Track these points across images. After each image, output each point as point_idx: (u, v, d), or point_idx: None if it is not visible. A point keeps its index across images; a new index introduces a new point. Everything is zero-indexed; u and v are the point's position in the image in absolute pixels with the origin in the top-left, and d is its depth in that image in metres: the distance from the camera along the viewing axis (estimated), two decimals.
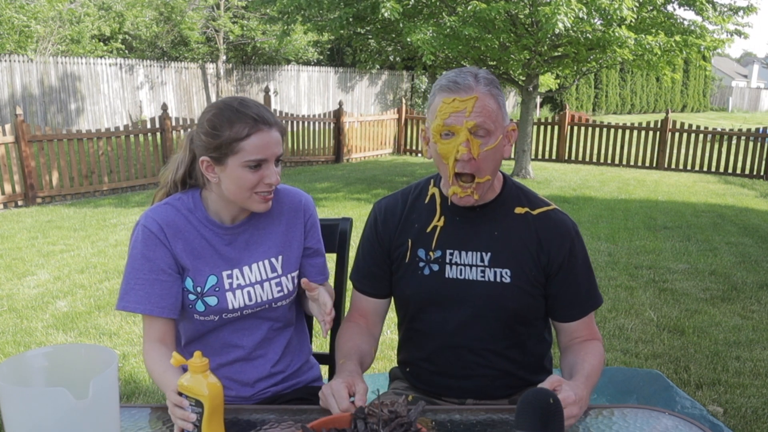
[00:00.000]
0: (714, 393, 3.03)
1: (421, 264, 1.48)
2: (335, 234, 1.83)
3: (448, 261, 1.46)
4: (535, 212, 1.46)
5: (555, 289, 1.46)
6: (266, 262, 1.52)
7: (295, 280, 1.57)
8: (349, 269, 1.83)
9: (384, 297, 1.57)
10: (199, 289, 1.46)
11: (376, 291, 1.56)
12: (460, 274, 1.44)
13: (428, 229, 1.48)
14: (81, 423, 0.98)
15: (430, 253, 1.47)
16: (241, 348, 1.54)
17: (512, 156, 11.66)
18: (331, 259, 1.78)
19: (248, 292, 1.49)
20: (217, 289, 1.47)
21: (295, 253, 1.57)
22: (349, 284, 1.64)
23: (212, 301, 1.47)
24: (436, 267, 1.46)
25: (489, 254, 1.44)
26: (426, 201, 1.51)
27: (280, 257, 1.54)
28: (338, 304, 1.86)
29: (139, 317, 3.95)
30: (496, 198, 1.47)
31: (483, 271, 1.44)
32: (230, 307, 1.48)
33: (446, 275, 1.45)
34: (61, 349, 1.12)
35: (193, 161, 1.48)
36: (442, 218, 1.48)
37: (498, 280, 1.43)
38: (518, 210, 1.46)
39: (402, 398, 1.14)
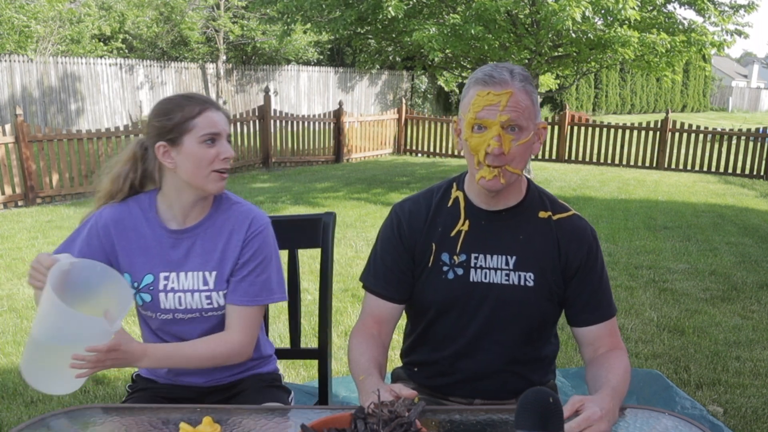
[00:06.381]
0: (714, 393, 3.03)
1: (445, 268, 1.46)
2: (318, 229, 1.83)
3: (473, 265, 1.44)
4: (555, 217, 1.47)
5: (572, 292, 1.46)
6: (200, 274, 1.55)
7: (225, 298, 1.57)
8: (334, 265, 1.83)
9: (402, 302, 1.52)
10: (136, 285, 1.55)
11: (397, 295, 1.50)
12: (485, 278, 1.44)
13: (452, 233, 1.46)
14: (95, 341, 1.31)
15: (455, 257, 1.45)
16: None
17: None
18: (315, 254, 1.77)
19: (179, 297, 1.55)
20: (151, 288, 1.55)
21: (228, 272, 1.56)
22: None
23: (147, 297, 1.55)
24: (460, 271, 1.45)
25: (514, 258, 1.43)
26: (449, 204, 1.49)
27: (213, 273, 1.56)
28: (323, 300, 1.87)
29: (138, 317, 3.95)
30: (521, 202, 1.47)
31: (507, 275, 1.43)
32: (162, 306, 1.55)
33: (471, 279, 1.44)
34: (82, 264, 1.38)
35: (144, 164, 1.56)
36: (467, 222, 1.46)
37: (522, 283, 1.43)
38: (542, 214, 1.46)
39: (402, 398, 1.13)
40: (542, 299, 1.44)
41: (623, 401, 1.30)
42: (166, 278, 1.54)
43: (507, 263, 1.43)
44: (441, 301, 1.47)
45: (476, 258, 1.44)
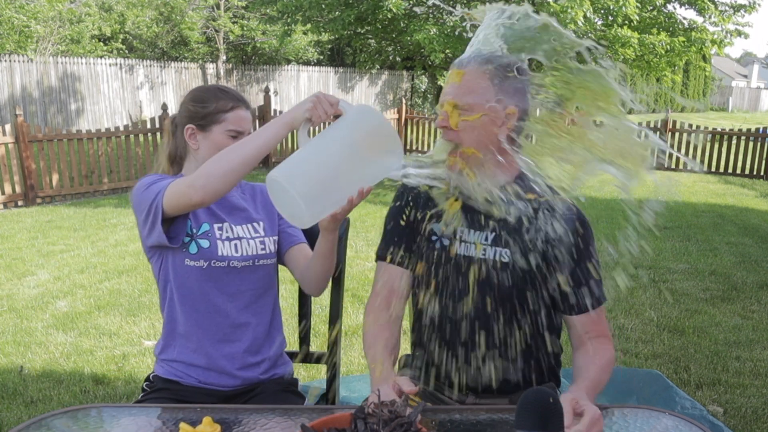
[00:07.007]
0: (714, 393, 3.03)
1: (434, 238, 1.53)
2: None
3: (457, 238, 1.50)
4: (543, 199, 1.48)
5: (556, 277, 1.47)
6: (250, 225, 1.70)
7: (276, 245, 1.72)
8: (346, 269, 1.84)
9: (409, 268, 1.58)
10: (194, 231, 1.61)
11: (403, 256, 1.57)
12: (466, 251, 1.49)
13: (444, 206, 1.53)
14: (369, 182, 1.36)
15: (443, 228, 1.52)
16: (226, 314, 1.64)
17: None
18: None
19: (235, 245, 1.65)
20: (209, 234, 1.63)
21: (274, 221, 1.74)
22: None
23: (205, 243, 1.61)
24: (446, 242, 1.51)
25: (493, 234, 1.48)
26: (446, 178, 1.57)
27: (261, 222, 1.72)
28: (335, 307, 1.87)
29: (138, 317, 3.95)
30: (507, 182, 1.50)
31: (485, 250, 1.48)
32: (219, 253, 1.61)
33: (455, 251, 1.50)
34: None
35: (175, 139, 1.69)
36: (459, 198, 1.52)
37: (496, 258, 1.46)
38: (529, 195, 1.49)
39: (402, 398, 1.14)
40: (517, 275, 1.46)
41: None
42: (220, 228, 1.64)
43: (486, 239, 1.48)
44: (426, 269, 1.53)
45: (461, 232, 1.50)
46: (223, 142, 1.60)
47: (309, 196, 1.29)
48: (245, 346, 1.66)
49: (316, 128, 1.52)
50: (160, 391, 1.64)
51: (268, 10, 10.68)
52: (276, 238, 1.73)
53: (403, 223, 1.58)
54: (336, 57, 21.10)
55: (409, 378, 1.27)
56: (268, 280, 1.71)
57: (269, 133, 1.42)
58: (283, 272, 1.80)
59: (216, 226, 1.64)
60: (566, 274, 1.47)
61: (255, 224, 1.70)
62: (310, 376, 3.17)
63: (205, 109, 1.62)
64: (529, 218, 1.47)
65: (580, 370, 1.40)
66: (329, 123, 1.46)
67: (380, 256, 1.60)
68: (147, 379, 1.70)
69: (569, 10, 7.50)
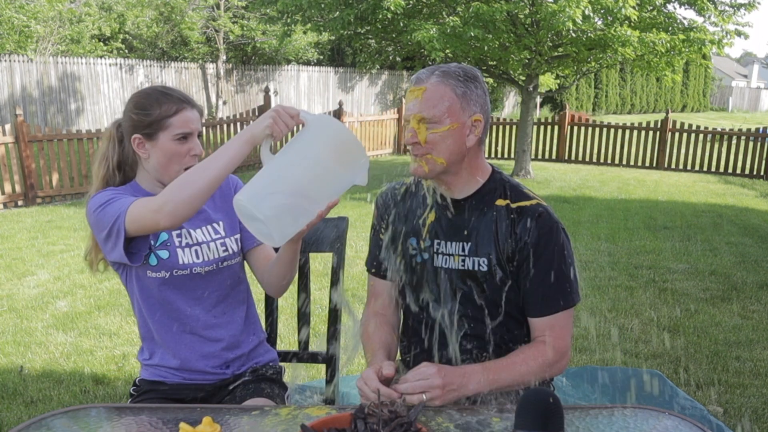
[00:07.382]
0: (714, 393, 3.03)
1: (413, 252, 1.55)
2: (330, 233, 1.84)
3: (435, 250, 1.52)
4: (514, 205, 1.49)
5: (520, 280, 1.48)
6: (209, 227, 1.67)
7: (239, 243, 1.70)
8: (346, 269, 1.86)
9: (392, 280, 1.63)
10: (152, 242, 1.58)
11: (386, 272, 1.61)
12: (445, 263, 1.51)
13: (420, 219, 1.55)
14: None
15: (421, 242, 1.54)
16: (196, 318, 1.63)
17: (512, 155, 11.65)
18: (328, 258, 1.79)
19: (196, 251, 1.62)
20: (168, 244, 1.59)
21: (234, 218, 1.70)
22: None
23: (164, 254, 1.58)
24: (426, 255, 1.53)
25: (469, 244, 1.49)
26: (421, 192, 1.59)
27: (221, 222, 1.69)
28: (335, 306, 1.88)
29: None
30: (478, 190, 1.51)
31: (463, 260, 1.49)
32: (180, 261, 1.59)
33: (434, 263, 1.52)
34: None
35: (122, 146, 1.63)
36: (433, 210, 1.54)
37: (476, 268, 1.48)
38: (499, 202, 1.50)
39: (402, 398, 1.14)
40: (496, 282, 1.47)
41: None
42: (179, 235, 1.61)
43: (463, 249, 1.49)
44: (409, 284, 1.56)
45: (438, 244, 1.52)
46: (172, 148, 1.56)
47: (276, 219, 1.31)
48: (223, 345, 1.66)
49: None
50: (147, 393, 1.66)
51: (268, 10, 10.68)
52: (238, 236, 1.71)
53: (379, 236, 1.62)
54: (336, 57, 21.10)
55: (393, 364, 1.31)
56: (235, 278, 1.70)
57: (232, 152, 1.40)
58: None
59: (174, 233, 1.60)
60: (529, 278, 1.47)
61: (215, 225, 1.67)
62: (310, 376, 3.17)
63: (148, 117, 1.55)
64: (501, 225, 1.48)
65: (499, 360, 1.43)
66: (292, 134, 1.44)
67: (369, 270, 1.68)
68: (134, 383, 1.71)
69: (567, 9, 7.50)
